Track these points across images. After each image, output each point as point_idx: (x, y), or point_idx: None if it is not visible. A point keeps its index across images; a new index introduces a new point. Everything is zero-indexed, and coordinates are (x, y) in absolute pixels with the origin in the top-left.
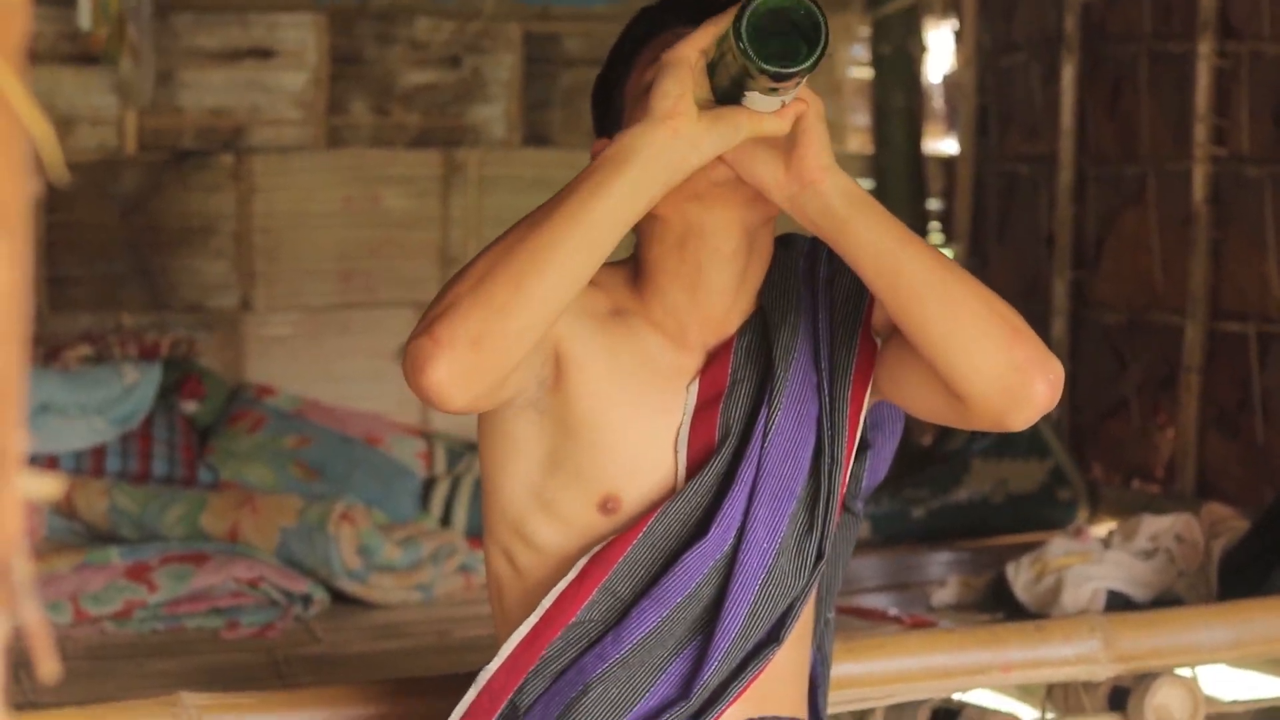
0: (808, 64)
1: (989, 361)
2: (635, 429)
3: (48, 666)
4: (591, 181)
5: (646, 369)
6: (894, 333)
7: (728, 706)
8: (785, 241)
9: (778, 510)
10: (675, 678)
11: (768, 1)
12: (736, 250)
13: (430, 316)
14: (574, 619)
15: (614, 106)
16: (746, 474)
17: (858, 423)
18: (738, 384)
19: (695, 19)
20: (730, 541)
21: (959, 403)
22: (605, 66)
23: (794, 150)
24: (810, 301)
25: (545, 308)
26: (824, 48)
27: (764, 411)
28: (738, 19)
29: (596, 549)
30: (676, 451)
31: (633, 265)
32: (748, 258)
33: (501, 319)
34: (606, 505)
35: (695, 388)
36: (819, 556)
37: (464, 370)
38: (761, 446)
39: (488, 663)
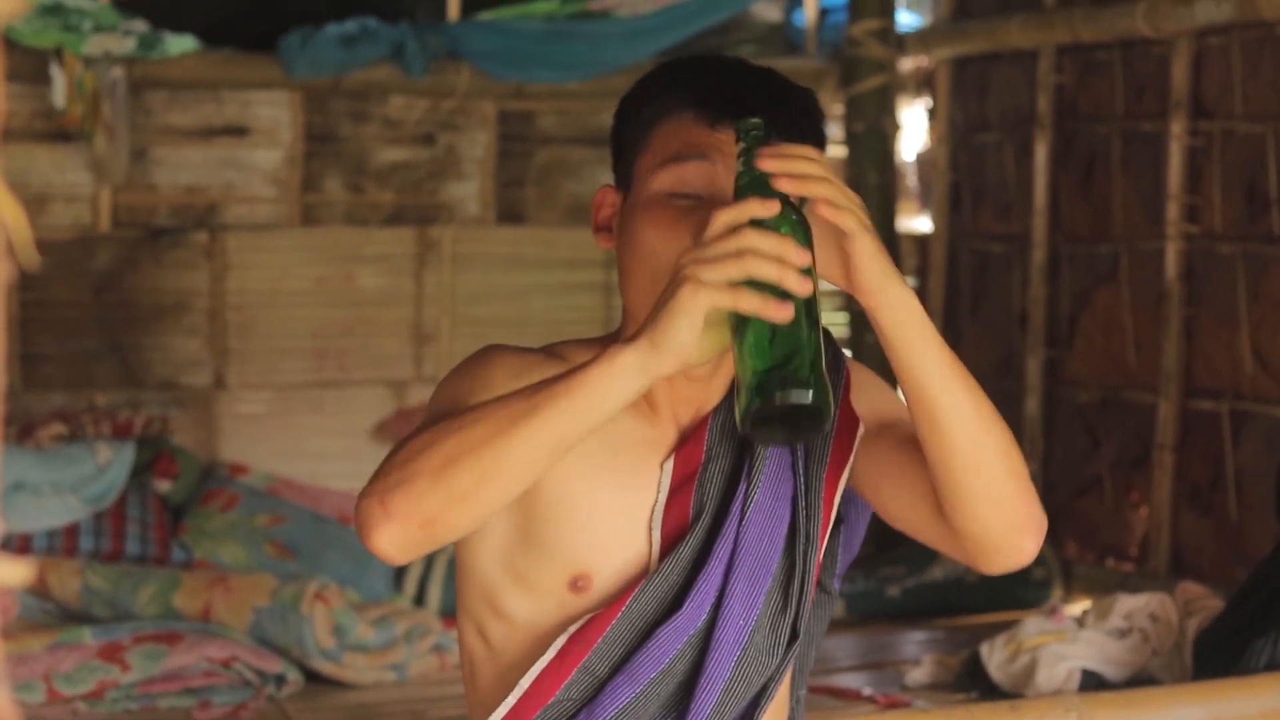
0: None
1: (996, 516)
2: (606, 506)
3: None
4: (575, 397)
5: (617, 445)
6: (884, 434)
7: None
8: None
9: (755, 587)
10: None
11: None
12: None
13: (388, 480)
14: (553, 699)
15: (626, 165)
16: (723, 550)
17: (833, 505)
18: (712, 460)
19: (705, 102)
20: (705, 617)
21: (947, 532)
22: (618, 119)
23: (848, 261)
24: None
25: (503, 500)
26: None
27: (743, 488)
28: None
29: (574, 628)
30: (651, 530)
31: (610, 340)
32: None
33: (458, 509)
34: (577, 584)
35: (670, 465)
36: (793, 636)
37: (410, 544)
38: (739, 523)
39: None
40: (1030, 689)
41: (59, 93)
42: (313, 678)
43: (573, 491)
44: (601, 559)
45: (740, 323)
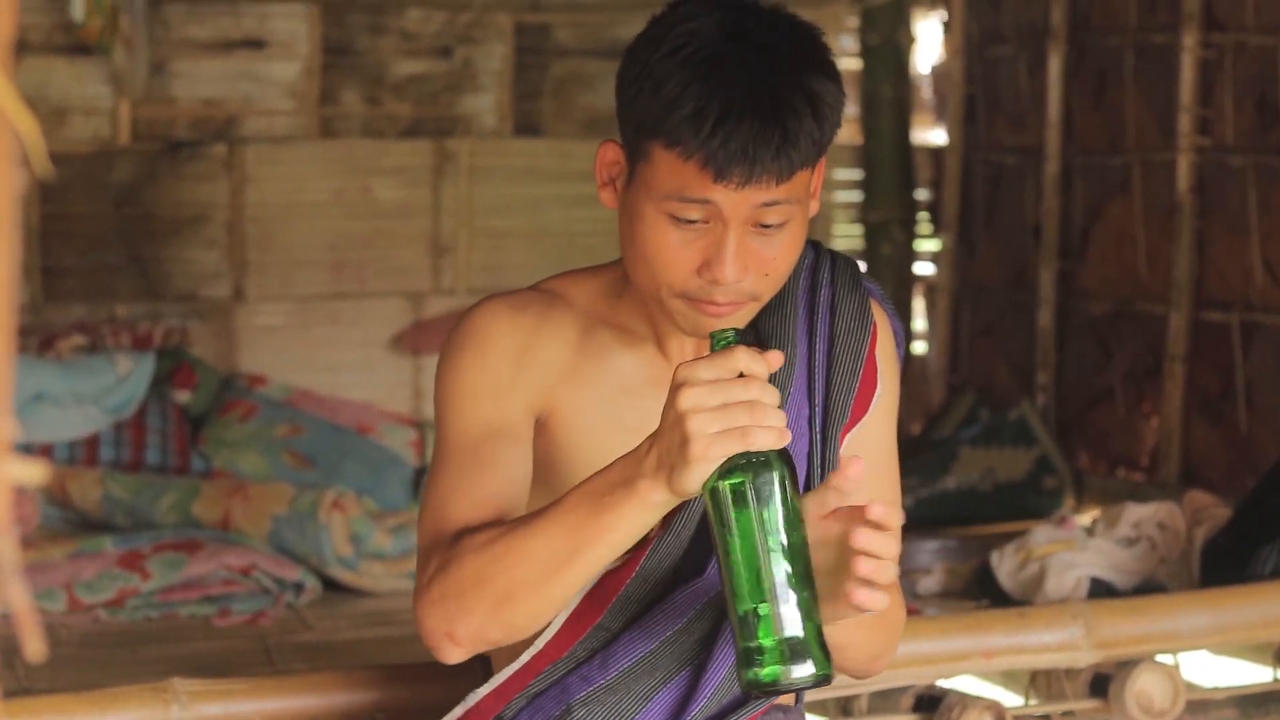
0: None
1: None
2: (613, 450)
3: (34, 647)
4: (615, 535)
5: (630, 389)
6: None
7: None
8: None
9: None
10: (663, 708)
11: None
12: None
13: (445, 610)
14: (566, 654)
15: (629, 144)
16: None
17: None
18: None
19: (713, 157)
20: None
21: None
22: (623, 79)
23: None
24: (807, 325)
25: (556, 613)
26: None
27: None
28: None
29: (588, 587)
30: None
31: (614, 274)
32: None
33: (520, 633)
34: None
35: None
36: None
37: (481, 651)
38: None
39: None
40: (1039, 597)
41: (77, 6)
42: (330, 585)
43: (583, 439)
44: None
45: (733, 582)
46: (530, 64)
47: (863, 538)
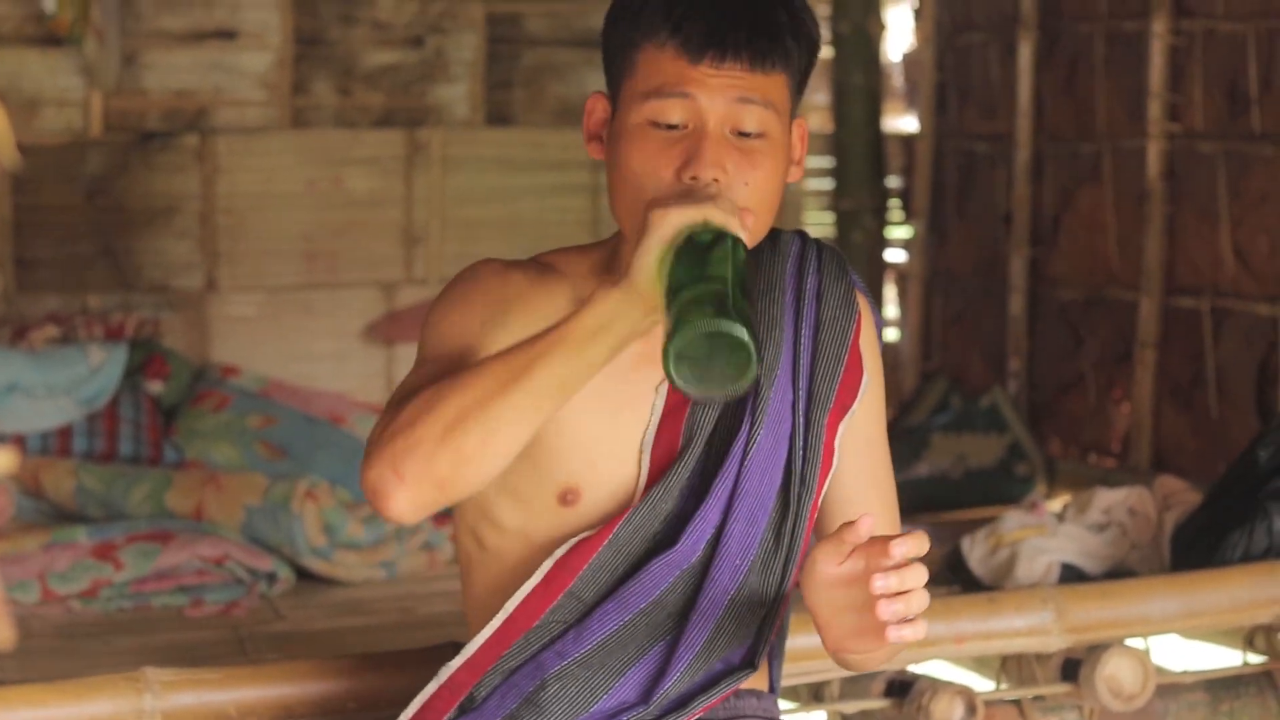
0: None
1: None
2: (596, 424)
3: (4, 634)
4: (570, 344)
5: (615, 364)
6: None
7: (690, 718)
8: (772, 238)
9: (753, 528)
10: (635, 682)
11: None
12: None
13: (395, 446)
14: (538, 622)
15: (613, 80)
16: (721, 489)
17: (833, 451)
18: None
19: (688, 38)
20: (700, 554)
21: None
22: (607, 24)
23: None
24: (794, 312)
25: (511, 453)
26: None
27: (745, 427)
28: (675, 328)
29: (560, 553)
30: (641, 453)
31: (606, 250)
32: None
33: (468, 468)
34: (566, 498)
35: (664, 389)
36: (783, 579)
37: (425, 504)
38: (741, 463)
39: (450, 640)
40: (1010, 582)
41: None
42: (304, 575)
43: (564, 409)
44: (590, 475)
45: (676, 258)
46: (502, 54)
47: (881, 581)
